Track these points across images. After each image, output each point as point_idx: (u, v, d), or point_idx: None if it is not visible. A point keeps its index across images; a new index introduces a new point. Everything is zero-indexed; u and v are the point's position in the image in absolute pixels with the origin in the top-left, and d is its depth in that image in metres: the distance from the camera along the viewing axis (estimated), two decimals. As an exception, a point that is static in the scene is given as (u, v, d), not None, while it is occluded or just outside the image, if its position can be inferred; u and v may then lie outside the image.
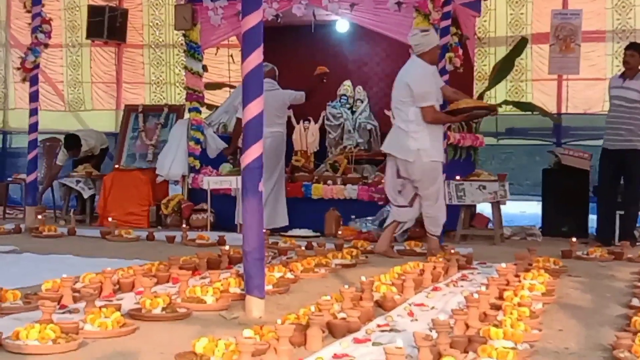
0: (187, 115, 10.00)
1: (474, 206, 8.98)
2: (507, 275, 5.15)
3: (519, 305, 4.16)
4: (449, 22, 8.12)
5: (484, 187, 8.37)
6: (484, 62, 11.09)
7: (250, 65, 4.29)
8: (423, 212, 7.16)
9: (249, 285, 4.28)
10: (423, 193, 7.04)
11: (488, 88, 10.48)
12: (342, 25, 10.31)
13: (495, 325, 3.55)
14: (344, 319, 3.90)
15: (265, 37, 4.36)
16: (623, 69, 8.56)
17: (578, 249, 7.27)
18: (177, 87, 12.60)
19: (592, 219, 8.98)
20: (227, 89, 11.83)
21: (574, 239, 7.41)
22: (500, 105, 8.64)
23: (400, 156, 6.96)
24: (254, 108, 4.29)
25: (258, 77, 4.35)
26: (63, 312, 4.15)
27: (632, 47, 8.51)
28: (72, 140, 10.61)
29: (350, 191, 8.98)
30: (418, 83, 6.88)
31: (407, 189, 7.12)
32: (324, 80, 9.21)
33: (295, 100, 9.10)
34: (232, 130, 9.71)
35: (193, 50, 9.74)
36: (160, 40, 12.82)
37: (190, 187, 9.62)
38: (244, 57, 4.35)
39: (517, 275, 5.28)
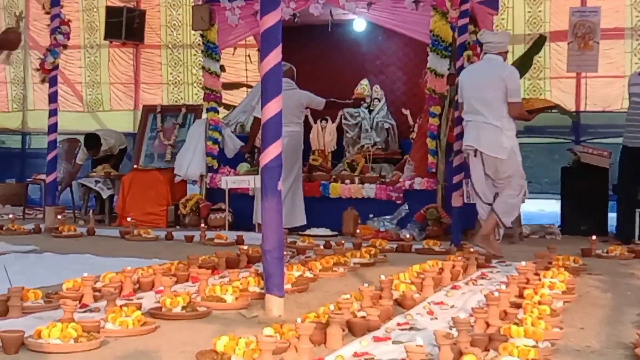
0: (204, 115, 10.03)
1: (493, 205, 8.93)
2: (527, 273, 5.13)
3: (540, 303, 4.14)
4: (466, 20, 8.08)
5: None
6: (502, 61, 11.02)
7: (269, 64, 4.29)
8: (500, 201, 7.00)
9: (269, 283, 4.29)
10: (509, 186, 6.97)
11: (506, 86, 10.42)
12: (359, 24, 10.30)
13: (516, 324, 3.54)
14: (363, 317, 3.90)
15: (282, 36, 4.36)
16: None
17: (598, 248, 7.22)
18: (195, 87, 12.63)
19: (612, 217, 8.92)
20: (245, 88, 11.85)
21: (593, 237, 7.37)
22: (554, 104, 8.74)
23: (492, 153, 6.88)
24: (273, 107, 4.29)
25: (277, 76, 4.35)
26: (84, 311, 4.18)
27: None
28: (92, 139, 10.67)
29: (368, 190, 8.98)
30: (513, 78, 6.98)
31: (491, 186, 7.08)
32: (361, 104, 9.68)
33: (313, 104, 9.12)
34: (249, 130, 9.74)
35: (210, 51, 9.77)
36: (178, 40, 12.86)
37: (208, 186, 9.64)
38: (262, 56, 4.36)
39: (537, 274, 5.25)
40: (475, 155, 7.00)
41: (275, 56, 4.29)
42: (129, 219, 8.74)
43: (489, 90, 6.92)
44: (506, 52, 7.21)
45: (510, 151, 6.91)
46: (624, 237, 8.19)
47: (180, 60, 12.89)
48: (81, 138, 10.99)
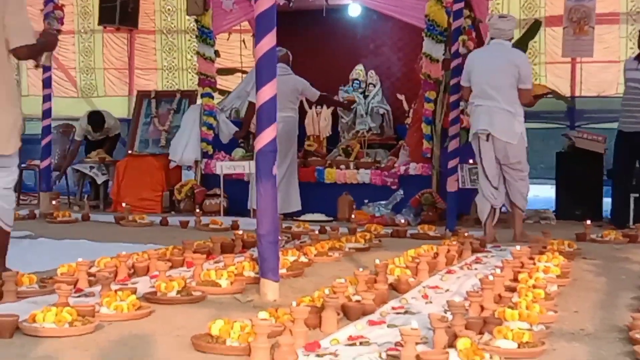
0: (199, 100, 10.00)
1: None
2: (521, 257, 5.15)
3: (534, 287, 4.15)
4: (461, 5, 8.05)
5: (498, 171, 8.33)
6: (497, 46, 11.01)
7: (264, 48, 4.28)
8: (518, 193, 7.08)
9: (264, 268, 4.29)
10: (517, 172, 7.05)
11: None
12: (354, 9, 10.27)
13: (511, 307, 3.55)
14: (358, 301, 3.91)
15: (277, 21, 4.34)
16: (638, 51, 8.48)
17: (592, 232, 7.24)
18: (190, 72, 12.59)
19: (606, 202, 8.94)
20: (240, 74, 11.81)
21: (588, 222, 7.39)
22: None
23: (504, 138, 6.92)
24: (267, 91, 4.28)
25: (271, 60, 4.34)
26: (79, 296, 4.18)
27: None
28: (97, 116, 10.55)
29: (363, 175, 8.97)
30: (526, 65, 7.10)
31: (499, 170, 7.11)
32: (348, 106, 9.73)
33: (308, 94, 9.08)
34: (244, 115, 9.71)
35: (205, 36, 9.73)
36: (172, 25, 12.81)
37: (203, 172, 9.63)
38: (257, 40, 4.34)
39: (531, 258, 5.26)
40: (487, 140, 6.99)
41: (269, 40, 4.27)
42: (123, 204, 8.73)
43: (502, 76, 6.93)
44: (512, 39, 7.26)
45: (520, 137, 6.98)
46: (618, 222, 8.20)
47: (175, 46, 12.84)
48: (75, 123, 10.94)
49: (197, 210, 8.44)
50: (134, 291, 4.09)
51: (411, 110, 9.49)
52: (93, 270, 4.74)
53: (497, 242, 6.88)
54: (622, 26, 10.64)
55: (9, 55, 4.64)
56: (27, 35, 4.65)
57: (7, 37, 4.54)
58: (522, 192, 7.12)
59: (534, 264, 5.02)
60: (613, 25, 10.67)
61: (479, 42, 8.68)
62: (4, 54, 4.58)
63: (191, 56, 12.27)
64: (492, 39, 7.22)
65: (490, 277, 4.11)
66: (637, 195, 8.50)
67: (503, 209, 7.40)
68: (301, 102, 9.67)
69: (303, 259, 5.42)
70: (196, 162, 9.68)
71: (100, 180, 10.20)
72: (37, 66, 5.05)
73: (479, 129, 7.00)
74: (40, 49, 4.81)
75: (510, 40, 7.18)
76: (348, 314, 3.75)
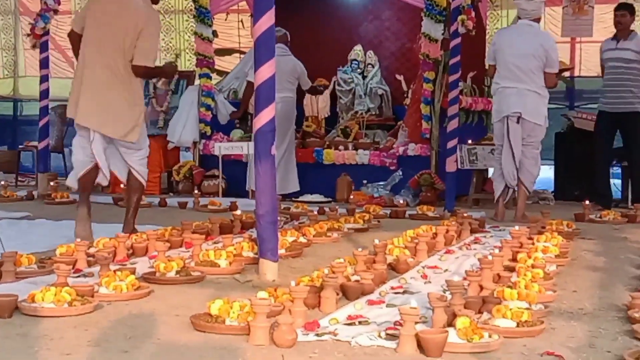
0: (197, 81, 9.96)
1: (486, 170, 8.93)
2: (520, 237, 5.15)
3: (533, 267, 4.15)
4: (461, -16, 8.02)
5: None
6: (497, 25, 10.99)
7: (262, 28, 4.25)
8: (527, 172, 7.15)
9: (263, 248, 4.29)
10: (533, 153, 7.16)
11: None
12: (352, -11, 10.22)
13: (509, 287, 3.55)
14: (357, 281, 3.91)
15: (275, 1, 4.31)
16: (615, 31, 8.44)
17: (591, 212, 7.24)
18: (187, 53, 12.54)
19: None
20: (238, 54, 11.78)
21: (586, 202, 7.39)
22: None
23: (534, 120, 7.05)
24: (266, 71, 4.25)
25: (270, 40, 4.31)
26: (78, 276, 4.18)
27: (622, 7, 8.44)
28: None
29: (362, 156, 8.97)
30: (554, 49, 7.22)
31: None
32: (321, 91, 9.57)
33: (303, 80, 9.07)
34: (242, 95, 9.68)
35: (203, 16, 9.68)
36: (170, 6, 12.75)
37: (201, 153, 9.61)
38: (255, 19, 4.31)
39: (530, 238, 5.27)
40: (517, 122, 7.06)
41: (267, 19, 4.25)
42: (122, 185, 8.69)
43: (531, 58, 7.02)
44: (539, 18, 7.34)
45: (545, 119, 7.15)
46: (604, 202, 8.14)
47: (173, 26, 12.79)
48: None
49: (196, 191, 8.42)
50: (133, 271, 4.09)
51: (410, 91, 9.46)
52: (92, 250, 4.73)
53: (500, 222, 6.91)
54: (622, 6, 10.58)
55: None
56: (149, 58, 5.60)
57: (134, 54, 5.49)
58: (532, 172, 7.19)
59: (533, 244, 5.03)
60: (613, 4, 10.59)
61: (478, 22, 8.65)
62: (128, 65, 5.51)
63: (189, 36, 12.22)
64: (519, 18, 7.30)
65: (489, 257, 4.11)
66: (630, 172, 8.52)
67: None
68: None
69: (302, 239, 5.42)
70: (194, 143, 9.65)
71: (98, 161, 10.17)
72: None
73: (511, 112, 7.06)
74: (156, 73, 6.11)
75: (537, 20, 7.25)
76: (347, 293, 3.75)
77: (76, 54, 5.80)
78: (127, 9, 5.52)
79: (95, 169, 5.61)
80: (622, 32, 8.29)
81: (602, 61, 8.48)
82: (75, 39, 5.72)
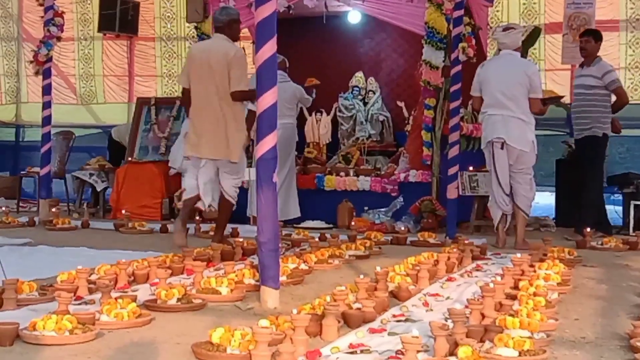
0: (199, 107, 9.97)
1: (487, 197, 8.93)
2: (522, 265, 5.14)
3: (535, 295, 4.14)
4: (461, 12, 8.07)
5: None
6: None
7: (264, 55, 4.28)
8: (522, 196, 7.20)
9: (264, 275, 4.28)
10: (526, 179, 7.22)
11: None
12: (354, 17, 10.29)
13: (511, 315, 3.54)
14: (359, 309, 3.90)
15: (277, 28, 4.34)
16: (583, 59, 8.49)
17: (592, 240, 7.23)
18: (189, 79, 12.57)
19: (607, 209, 8.91)
20: (239, 81, 11.79)
21: (588, 230, 7.38)
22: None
23: (518, 146, 7.13)
24: (268, 98, 4.27)
25: (272, 67, 4.34)
26: (79, 304, 4.17)
27: (586, 34, 8.50)
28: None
29: (363, 183, 8.98)
30: (536, 75, 7.32)
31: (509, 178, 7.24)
32: (313, 93, 9.31)
33: (302, 101, 9.12)
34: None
35: (205, 43, 9.72)
36: (172, 32, 12.81)
37: (203, 179, 9.60)
38: (257, 47, 4.34)
39: (532, 266, 5.26)
40: (502, 148, 7.15)
41: (270, 47, 4.28)
42: (123, 211, 8.72)
43: (516, 86, 7.13)
44: (519, 48, 7.48)
45: (532, 144, 7.19)
46: (603, 228, 8.14)
47: (175, 53, 12.84)
48: (75, 130, 10.95)
49: (197, 218, 8.42)
50: (134, 299, 4.09)
51: (411, 117, 9.49)
52: (93, 277, 4.73)
53: (501, 249, 6.91)
54: (622, 33, 10.65)
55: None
56: (243, 84, 6.67)
57: (230, 83, 6.63)
58: (528, 196, 7.24)
59: (535, 271, 5.02)
60: (613, 32, 10.67)
61: (479, 49, 8.70)
62: (228, 93, 6.64)
63: (191, 63, 12.25)
64: (499, 50, 7.47)
65: (491, 285, 4.11)
66: (637, 202, 8.48)
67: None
68: (301, 109, 9.66)
69: (303, 266, 5.41)
70: (196, 169, 9.65)
71: (99, 187, 10.20)
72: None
73: (495, 137, 7.17)
74: (249, 95, 6.62)
75: (518, 49, 7.38)
76: (349, 321, 3.75)
77: (187, 106, 6.97)
78: (216, 51, 6.70)
79: (197, 196, 6.87)
80: (587, 58, 8.34)
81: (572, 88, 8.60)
82: (186, 94, 6.90)
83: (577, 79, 8.54)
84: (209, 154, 6.77)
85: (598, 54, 8.40)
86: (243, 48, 11.80)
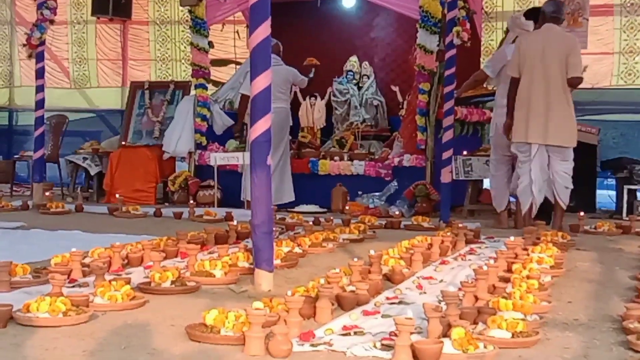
0: (193, 91, 9.98)
1: (481, 181, 8.96)
2: (515, 248, 5.15)
3: (528, 277, 4.15)
4: (456, -4, 8.06)
5: (491, 162, 8.34)
6: (491, 37, 11.04)
7: (258, 38, 4.26)
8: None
9: (258, 258, 4.28)
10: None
11: (495, 63, 10.41)
12: (348, 0, 10.25)
13: (505, 297, 3.56)
14: (353, 291, 3.91)
15: (271, 12, 4.32)
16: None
17: (586, 223, 7.26)
18: (183, 63, 12.58)
19: (600, 193, 8.96)
20: (233, 65, 11.80)
21: (581, 214, 7.40)
22: None
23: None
24: (262, 82, 4.26)
25: (266, 50, 4.32)
26: (73, 286, 4.17)
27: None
28: None
29: (357, 167, 8.98)
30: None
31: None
32: (311, 73, 9.25)
33: (298, 82, 9.09)
34: (238, 108, 9.69)
35: (199, 27, 9.71)
36: (166, 16, 12.78)
37: (196, 163, 9.62)
38: (251, 29, 4.33)
39: (525, 249, 5.27)
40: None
41: (264, 30, 4.26)
42: (117, 195, 8.72)
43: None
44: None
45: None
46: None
47: (168, 37, 12.81)
48: (68, 114, 10.92)
49: (191, 202, 8.43)
50: (128, 281, 4.08)
51: (405, 102, 9.49)
52: (87, 260, 4.72)
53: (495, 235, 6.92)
54: (616, 18, 10.66)
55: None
56: (578, 70, 6.94)
57: (568, 70, 6.88)
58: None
59: (528, 255, 5.03)
60: (607, 16, 10.68)
61: (473, 34, 8.69)
62: (565, 82, 6.89)
63: (185, 47, 12.25)
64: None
65: (484, 268, 4.12)
66: (630, 187, 8.51)
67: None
68: (295, 93, 9.64)
69: (297, 249, 5.42)
70: (190, 153, 9.67)
71: (93, 171, 10.19)
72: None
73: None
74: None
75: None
76: (342, 304, 3.75)
77: (513, 97, 7.00)
78: (556, 39, 6.94)
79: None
80: None
81: None
82: (515, 84, 6.99)
83: None
84: (543, 140, 6.89)
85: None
86: (237, 32, 11.94)
